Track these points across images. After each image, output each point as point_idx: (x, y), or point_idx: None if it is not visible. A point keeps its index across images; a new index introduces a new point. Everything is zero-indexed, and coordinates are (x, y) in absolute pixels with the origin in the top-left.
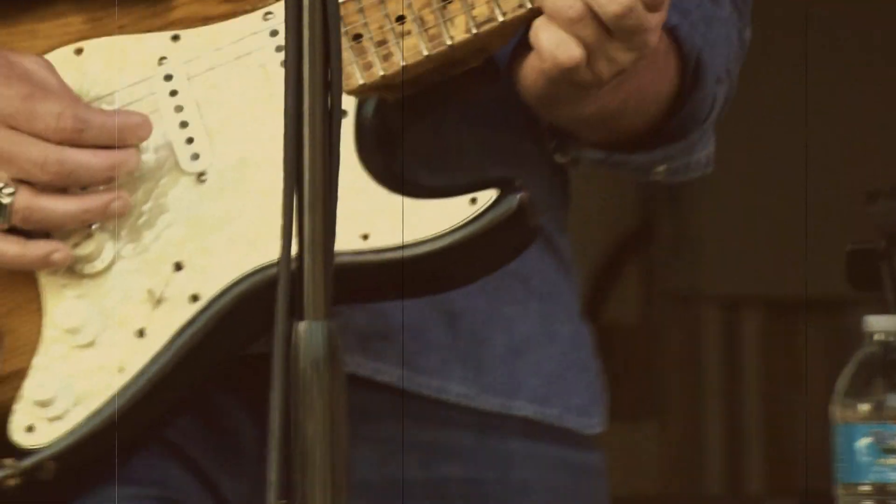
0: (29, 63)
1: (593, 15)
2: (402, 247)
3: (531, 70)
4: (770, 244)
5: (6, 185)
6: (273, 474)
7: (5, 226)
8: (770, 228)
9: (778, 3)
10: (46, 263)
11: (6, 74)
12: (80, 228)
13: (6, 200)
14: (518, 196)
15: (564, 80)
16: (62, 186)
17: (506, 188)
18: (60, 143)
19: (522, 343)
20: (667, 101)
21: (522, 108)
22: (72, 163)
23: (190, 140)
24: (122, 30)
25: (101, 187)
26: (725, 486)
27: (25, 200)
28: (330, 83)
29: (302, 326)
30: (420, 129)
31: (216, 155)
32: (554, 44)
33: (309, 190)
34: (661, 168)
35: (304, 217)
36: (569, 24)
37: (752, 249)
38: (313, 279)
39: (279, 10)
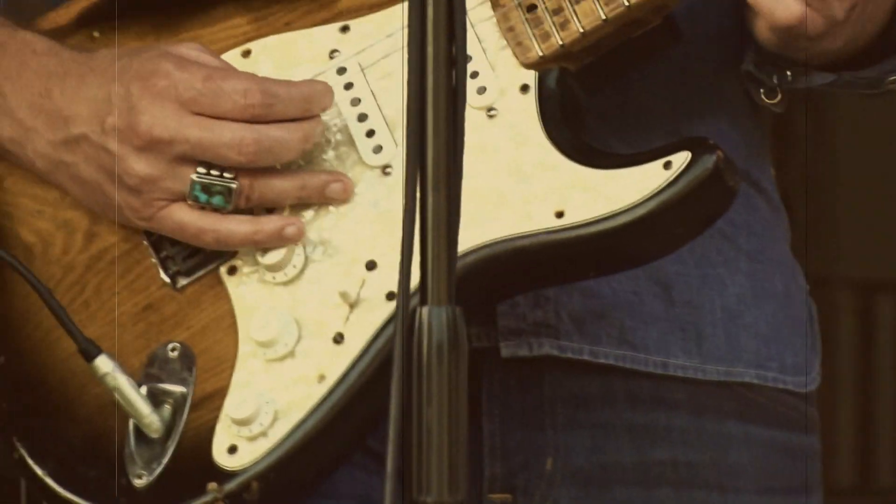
0: (188, 49)
1: None
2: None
3: (761, 29)
4: None
5: (225, 170)
6: (390, 464)
7: (229, 209)
8: None
9: None
10: (281, 238)
11: (177, 61)
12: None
13: (233, 185)
14: (714, 155)
15: (794, 34)
16: (258, 165)
17: (699, 148)
18: (249, 120)
19: (736, 305)
20: (892, 7)
21: (712, 52)
22: (268, 140)
23: (370, 133)
24: (288, 27)
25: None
26: (856, 477)
27: (248, 180)
28: (454, 60)
29: (425, 311)
30: (605, 95)
31: (399, 145)
32: (773, 2)
33: (432, 170)
34: (893, 78)
35: (427, 198)
36: None
37: (889, 232)
38: (437, 262)
39: None
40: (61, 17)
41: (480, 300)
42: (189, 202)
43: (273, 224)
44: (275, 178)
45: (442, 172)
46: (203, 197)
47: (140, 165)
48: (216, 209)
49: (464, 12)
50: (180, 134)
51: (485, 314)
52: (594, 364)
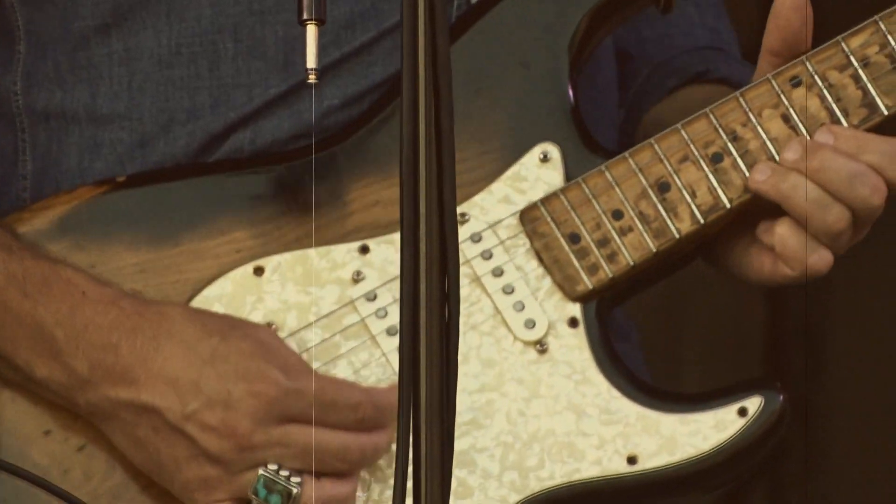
0: (267, 336)
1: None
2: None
3: (767, 269)
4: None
5: (293, 474)
6: None
7: None
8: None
9: None
10: None
11: (281, 365)
12: None
13: (295, 490)
14: (781, 398)
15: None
16: (348, 471)
17: (769, 392)
18: (354, 429)
19: None
20: None
21: None
22: (371, 449)
23: None
24: (298, 243)
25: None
26: None
27: (315, 491)
28: (448, 294)
29: None
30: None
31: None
32: (800, 250)
33: (425, 408)
34: None
35: (420, 434)
36: (832, 237)
37: (881, 475)
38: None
39: (472, 210)
40: (38, 219)
41: None
42: (250, 494)
43: None
44: (334, 484)
45: (435, 412)
46: (262, 493)
47: (215, 448)
48: None
49: (456, 248)
50: (287, 438)
51: None
52: None
